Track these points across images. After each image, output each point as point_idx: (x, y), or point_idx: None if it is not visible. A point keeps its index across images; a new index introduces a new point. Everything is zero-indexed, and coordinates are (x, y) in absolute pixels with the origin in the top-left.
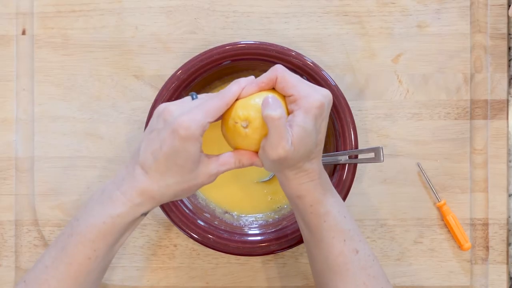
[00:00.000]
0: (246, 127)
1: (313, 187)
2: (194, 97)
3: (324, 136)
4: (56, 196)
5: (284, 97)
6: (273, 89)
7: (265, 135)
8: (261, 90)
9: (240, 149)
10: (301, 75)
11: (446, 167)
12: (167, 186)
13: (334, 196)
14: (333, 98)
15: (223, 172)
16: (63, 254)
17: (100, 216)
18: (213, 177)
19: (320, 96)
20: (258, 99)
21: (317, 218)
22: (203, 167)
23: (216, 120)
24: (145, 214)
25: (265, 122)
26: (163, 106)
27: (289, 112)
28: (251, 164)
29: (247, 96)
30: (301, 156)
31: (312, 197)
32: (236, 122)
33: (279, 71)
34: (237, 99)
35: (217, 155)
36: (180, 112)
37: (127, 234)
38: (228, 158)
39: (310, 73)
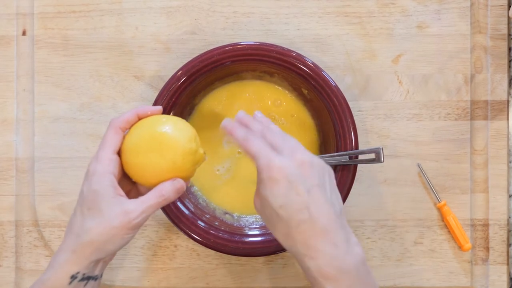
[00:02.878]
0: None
1: None
2: None
3: (320, 213)
4: (56, 197)
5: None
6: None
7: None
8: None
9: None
10: (301, 76)
11: (446, 167)
12: (85, 232)
13: None
14: (333, 98)
15: (147, 210)
16: None
17: (37, 284)
18: (131, 215)
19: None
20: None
21: None
22: (120, 205)
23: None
24: (75, 278)
25: None
26: None
27: None
28: (177, 192)
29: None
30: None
31: None
32: (129, 150)
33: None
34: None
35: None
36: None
37: None
38: (148, 195)
39: (310, 74)
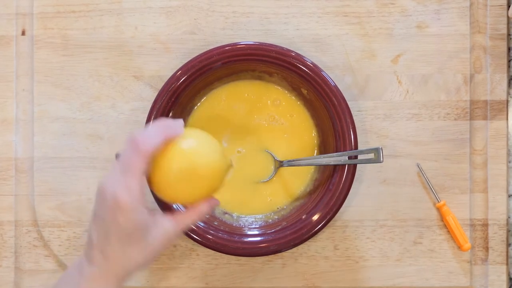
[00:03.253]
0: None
1: None
2: (117, 157)
3: None
4: (56, 197)
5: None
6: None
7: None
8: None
9: (192, 203)
10: (301, 76)
11: (445, 167)
12: (129, 259)
13: None
14: (333, 98)
15: (184, 230)
16: None
17: None
18: (172, 237)
19: None
20: (186, 142)
21: None
22: (161, 229)
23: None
24: None
25: None
26: (98, 186)
27: None
28: (212, 209)
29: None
30: None
31: None
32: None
33: None
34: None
35: (173, 214)
36: (112, 186)
37: None
38: (185, 215)
39: (310, 74)
